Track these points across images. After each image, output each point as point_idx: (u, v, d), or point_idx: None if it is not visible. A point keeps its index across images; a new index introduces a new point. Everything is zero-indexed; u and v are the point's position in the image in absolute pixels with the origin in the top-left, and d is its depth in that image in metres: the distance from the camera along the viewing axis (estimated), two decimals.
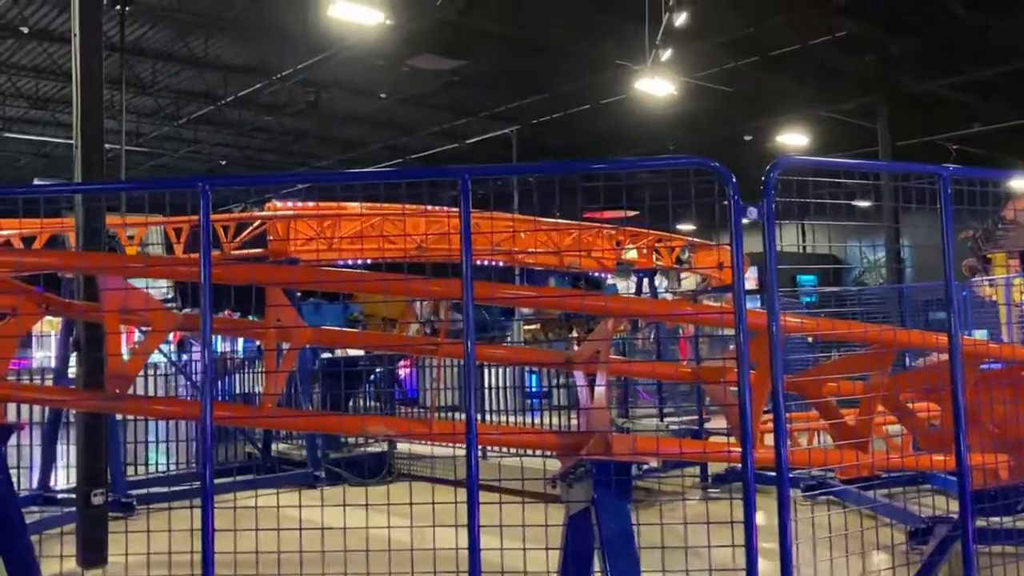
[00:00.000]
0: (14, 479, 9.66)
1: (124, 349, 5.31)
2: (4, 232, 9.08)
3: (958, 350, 3.30)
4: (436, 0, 13.53)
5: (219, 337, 14.34)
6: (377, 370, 13.86)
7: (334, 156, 28.24)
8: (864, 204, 22.30)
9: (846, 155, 26.43)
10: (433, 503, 4.15)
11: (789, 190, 3.93)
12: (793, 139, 24.94)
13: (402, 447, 12.46)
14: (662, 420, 12.21)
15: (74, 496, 8.60)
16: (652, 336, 14.95)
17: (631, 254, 14.11)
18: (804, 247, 34.93)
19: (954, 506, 5.58)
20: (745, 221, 3.27)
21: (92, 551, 8.04)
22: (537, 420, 12.41)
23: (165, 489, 10.84)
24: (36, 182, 28.52)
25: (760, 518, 3.75)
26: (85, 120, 8.88)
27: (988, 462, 5.56)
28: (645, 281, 14.38)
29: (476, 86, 21.53)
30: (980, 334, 13.92)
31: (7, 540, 4.05)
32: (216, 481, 10.78)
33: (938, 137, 24.50)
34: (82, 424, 8.42)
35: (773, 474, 6.90)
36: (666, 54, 13.85)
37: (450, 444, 4.49)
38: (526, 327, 19.33)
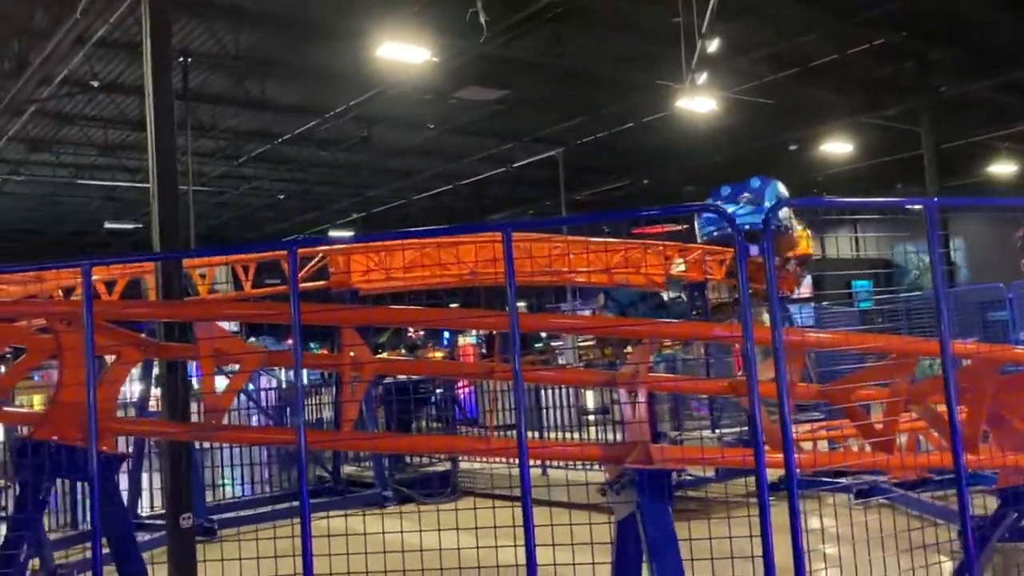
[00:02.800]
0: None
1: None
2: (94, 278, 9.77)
3: (948, 358, 3.67)
4: (480, 38, 14.10)
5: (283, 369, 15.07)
6: (438, 391, 14.43)
7: (386, 186, 29.07)
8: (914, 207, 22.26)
9: (891, 158, 26.46)
10: (495, 523, 4.53)
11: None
12: (837, 147, 25.06)
13: (464, 465, 13.02)
14: (713, 431, 12.53)
15: (161, 521, 9.17)
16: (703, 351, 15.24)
17: (680, 268, 14.37)
18: (857, 254, 34.83)
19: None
20: (752, 253, 3.70)
21: (183, 572, 8.65)
22: (596, 435, 12.80)
23: (244, 513, 11.51)
24: (107, 225, 29.96)
25: (812, 522, 4.04)
26: (160, 167, 9.41)
27: (1019, 462, 5.88)
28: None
29: (520, 112, 22.13)
30: None
31: (125, 554, 4.64)
32: (290, 505, 11.39)
33: (984, 137, 24.42)
34: (168, 453, 9.08)
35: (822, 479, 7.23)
36: (702, 78, 14.26)
37: (507, 461, 4.95)
38: (581, 344, 19.73)
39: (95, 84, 17.61)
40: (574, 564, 4.25)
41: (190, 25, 15.64)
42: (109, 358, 6.43)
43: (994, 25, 18.16)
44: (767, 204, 12.81)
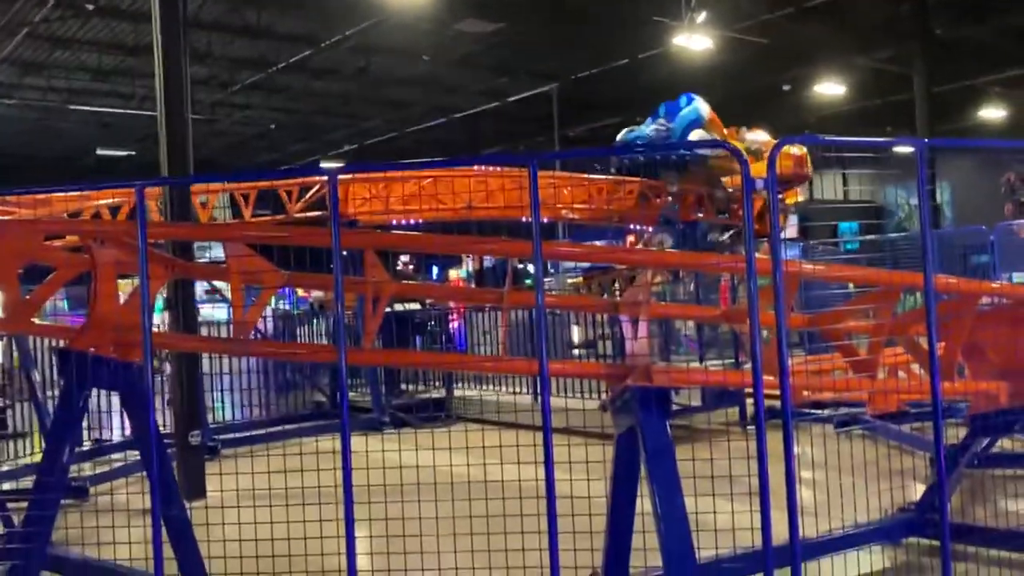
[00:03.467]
0: (113, 426, 10.75)
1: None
2: (101, 202, 10.03)
3: (931, 291, 4.00)
4: None
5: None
6: (430, 323, 14.80)
7: (379, 118, 29.01)
8: (902, 151, 22.63)
9: (882, 101, 26.61)
10: (501, 444, 4.85)
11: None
12: (830, 88, 25.16)
13: (458, 392, 13.47)
14: (701, 363, 12.97)
15: (170, 439, 9.56)
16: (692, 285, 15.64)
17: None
18: (845, 193, 35.13)
19: None
20: (758, 187, 3.99)
21: (193, 485, 9.07)
22: None
23: (246, 434, 11.95)
24: (99, 151, 29.83)
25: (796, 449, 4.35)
26: (168, 93, 9.58)
27: (990, 388, 6.29)
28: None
29: (517, 46, 22.10)
30: (1019, 276, 14.42)
31: (157, 462, 4.98)
32: (291, 427, 11.81)
33: (977, 81, 24.59)
34: (178, 373, 9.44)
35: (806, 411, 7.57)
36: (700, 16, 14.35)
37: (500, 390, 5.22)
38: (570, 280, 20.08)
39: (90, 7, 17.50)
40: (572, 480, 4.59)
41: None
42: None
43: None
44: (677, 128, 12.23)
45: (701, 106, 12.22)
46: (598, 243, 21.88)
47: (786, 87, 26.13)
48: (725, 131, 12.91)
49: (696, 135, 11.32)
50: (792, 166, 13.74)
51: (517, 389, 12.87)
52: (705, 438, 9.60)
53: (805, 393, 7.03)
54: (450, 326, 16.05)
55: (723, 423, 11.15)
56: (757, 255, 3.92)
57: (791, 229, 25.56)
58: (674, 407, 11.43)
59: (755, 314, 3.63)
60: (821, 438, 7.81)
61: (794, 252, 19.61)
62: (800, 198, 15.46)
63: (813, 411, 10.24)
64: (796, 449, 5.19)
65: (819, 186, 31.06)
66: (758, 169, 14.14)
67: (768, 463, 3.94)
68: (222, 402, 12.93)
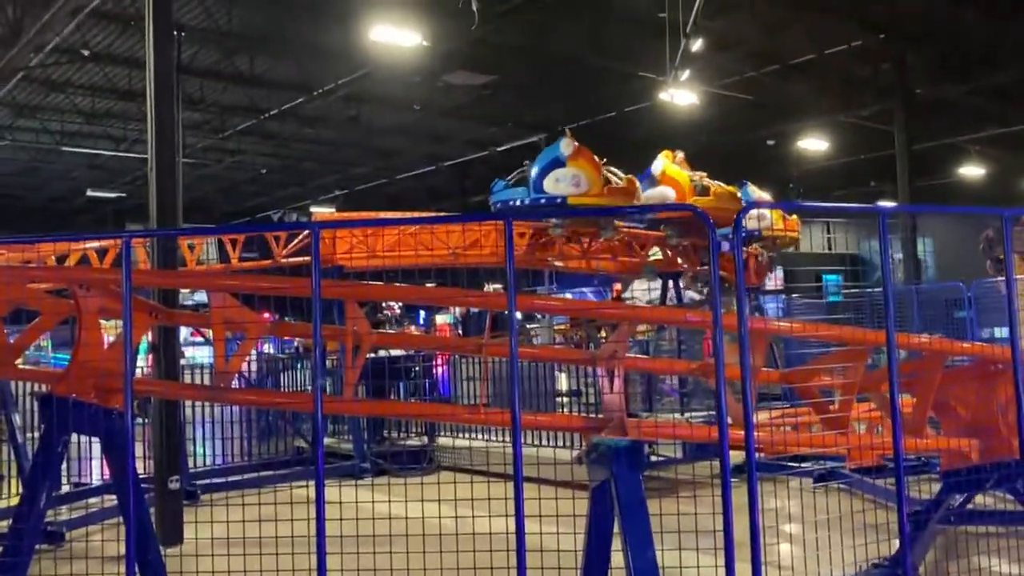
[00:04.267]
0: (92, 469, 10.68)
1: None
2: (88, 246, 10.12)
3: (893, 348, 4.12)
4: (471, 24, 14.42)
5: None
6: (415, 369, 14.82)
7: (370, 164, 29.28)
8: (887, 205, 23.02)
9: (865, 157, 27.09)
10: (473, 495, 4.89)
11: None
12: (813, 144, 25.61)
13: (441, 440, 13.47)
14: (682, 414, 13.02)
15: (149, 484, 9.53)
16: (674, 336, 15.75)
17: (656, 256, 14.79)
18: (829, 246, 35.55)
19: None
20: (724, 249, 4.13)
21: (170, 531, 9.02)
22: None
23: (224, 480, 11.87)
24: (89, 192, 29.97)
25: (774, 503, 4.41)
26: (159, 139, 9.72)
27: (961, 445, 6.39)
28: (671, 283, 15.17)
29: (506, 97, 22.48)
30: (999, 332, 14.61)
31: (134, 508, 5.01)
32: (269, 472, 11.76)
33: (957, 140, 25.08)
34: (158, 417, 9.43)
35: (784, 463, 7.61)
36: (684, 74, 14.68)
37: (485, 438, 5.29)
38: (556, 327, 20.18)
39: (85, 53, 17.76)
40: (542, 533, 4.63)
41: None
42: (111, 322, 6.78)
43: (969, 30, 18.73)
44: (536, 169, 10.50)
45: (564, 146, 10.66)
46: (587, 290, 22.09)
47: (771, 142, 26.58)
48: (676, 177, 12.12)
49: (556, 175, 9.89)
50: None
51: (500, 438, 12.89)
52: (684, 490, 9.64)
53: (788, 448, 7.12)
54: (435, 371, 16.08)
55: (706, 475, 11.20)
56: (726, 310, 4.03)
57: (774, 281, 25.84)
58: (655, 458, 11.55)
59: (721, 368, 3.73)
60: (798, 491, 7.87)
61: (774, 304, 19.85)
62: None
63: (792, 464, 10.31)
64: (774, 503, 5.26)
65: (805, 237, 31.46)
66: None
67: (733, 517, 4.00)
68: (203, 446, 12.87)
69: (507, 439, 12.47)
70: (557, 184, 9.61)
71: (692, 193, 11.08)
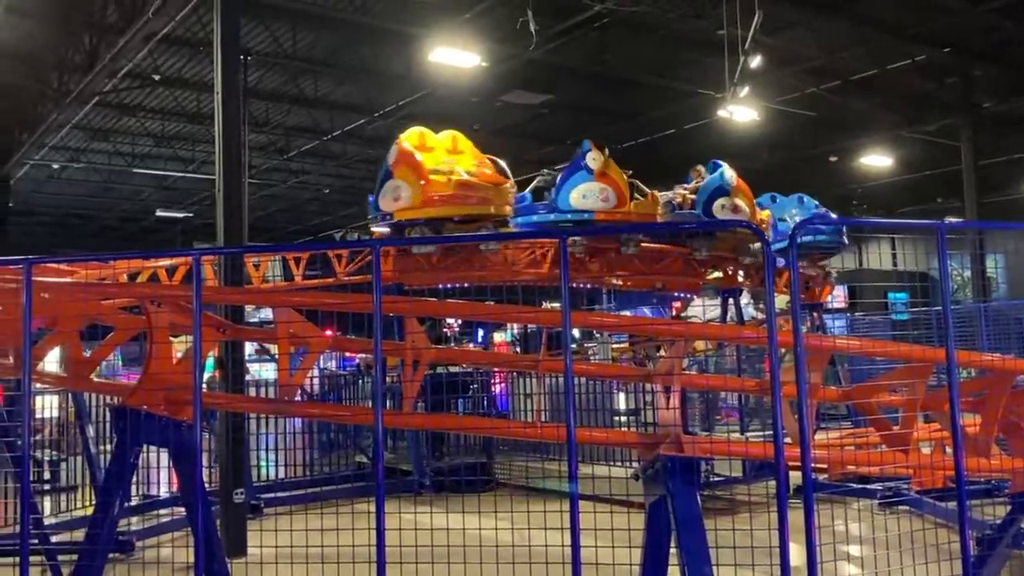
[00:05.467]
0: (160, 482, 10.99)
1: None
2: (160, 264, 10.45)
3: (954, 367, 4.06)
4: (529, 44, 14.58)
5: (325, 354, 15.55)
6: (473, 386, 14.92)
7: None
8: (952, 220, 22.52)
9: (931, 172, 26.55)
10: (529, 510, 4.94)
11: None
12: (876, 160, 25.20)
13: (499, 457, 13.54)
14: (742, 433, 12.90)
15: (214, 496, 9.75)
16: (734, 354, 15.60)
17: (716, 275, 14.68)
18: (895, 263, 34.81)
19: None
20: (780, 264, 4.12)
21: (234, 543, 9.23)
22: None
23: (286, 494, 12.10)
24: (158, 213, 30.89)
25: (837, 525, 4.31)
26: (226, 162, 10.04)
27: None
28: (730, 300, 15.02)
29: (563, 116, 22.60)
30: None
31: (202, 518, 5.17)
32: (331, 488, 11.97)
33: None
34: (225, 431, 9.67)
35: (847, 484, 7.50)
36: (744, 91, 14.60)
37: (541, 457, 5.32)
38: (615, 346, 20.11)
39: (156, 77, 18.37)
40: (597, 547, 4.66)
41: (250, 24, 16.27)
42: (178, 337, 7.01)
43: None
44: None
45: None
46: (646, 309, 21.98)
47: (833, 158, 26.22)
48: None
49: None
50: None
51: (556, 455, 12.89)
52: (742, 510, 9.55)
53: (851, 467, 7.00)
54: (493, 389, 16.16)
55: (765, 495, 11.06)
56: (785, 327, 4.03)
57: (838, 299, 25.40)
58: (713, 478, 11.44)
59: (777, 386, 3.74)
60: (863, 513, 7.74)
61: (840, 323, 19.52)
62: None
63: (853, 485, 10.13)
64: (837, 524, 5.19)
65: (870, 256, 30.89)
66: None
67: (790, 537, 3.98)
68: (266, 461, 13.13)
69: (563, 456, 12.55)
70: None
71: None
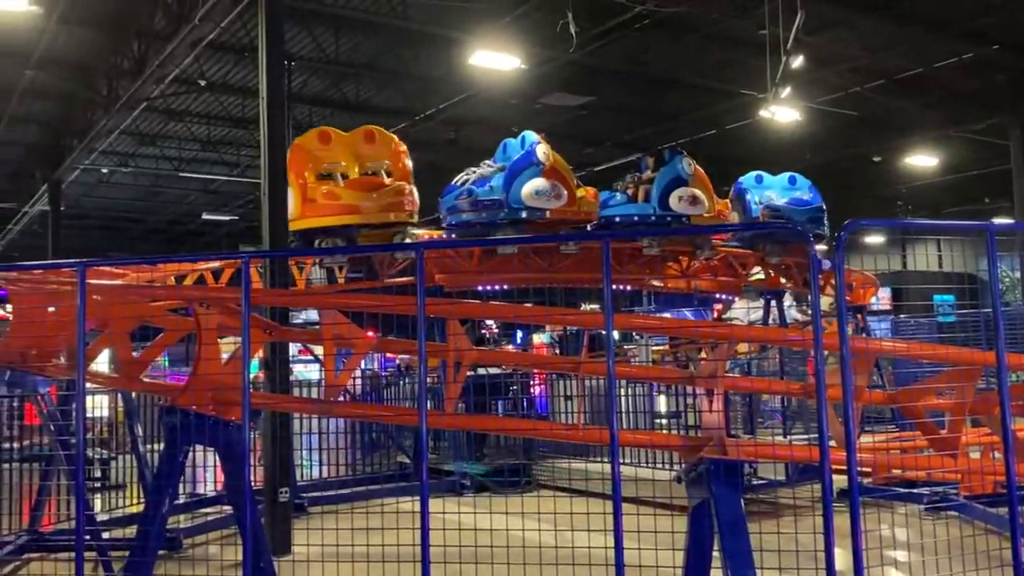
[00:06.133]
0: (207, 481, 11.19)
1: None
2: (208, 266, 10.62)
3: (1004, 369, 4.01)
4: (569, 47, 14.60)
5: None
6: (512, 388, 14.95)
7: None
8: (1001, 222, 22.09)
9: (979, 173, 26.06)
10: (572, 512, 4.98)
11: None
12: (921, 160, 24.80)
13: (539, 459, 13.57)
14: (785, 436, 12.78)
15: (259, 495, 9.88)
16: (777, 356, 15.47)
17: (758, 276, 14.55)
18: (940, 265, 34.24)
19: None
20: (826, 266, 4.11)
21: (279, 542, 9.35)
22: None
23: (329, 493, 12.23)
24: (204, 216, 31.40)
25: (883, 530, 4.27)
26: (272, 165, 10.19)
27: None
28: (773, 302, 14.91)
29: (603, 117, 22.56)
30: None
31: (249, 517, 5.27)
32: (376, 487, 12.08)
33: None
34: (269, 431, 9.81)
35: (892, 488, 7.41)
36: (785, 91, 14.47)
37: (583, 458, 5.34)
38: (654, 348, 20.04)
39: (202, 83, 18.68)
40: (641, 549, 4.66)
41: (294, 30, 16.48)
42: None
43: None
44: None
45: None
46: (686, 311, 21.89)
47: (876, 158, 25.85)
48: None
49: (532, 185, 8.91)
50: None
51: (596, 457, 12.88)
52: (786, 514, 9.46)
53: (895, 471, 6.92)
54: (532, 391, 16.19)
55: (810, 499, 10.95)
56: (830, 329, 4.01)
57: (883, 301, 25.02)
58: (759, 481, 11.35)
59: (822, 388, 3.72)
60: (909, 518, 7.63)
61: (883, 325, 19.25)
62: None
63: (899, 489, 9.99)
64: (882, 529, 5.14)
65: (915, 255, 30.38)
66: None
67: (835, 541, 3.95)
68: (309, 460, 13.28)
69: (604, 457, 12.53)
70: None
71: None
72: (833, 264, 3.87)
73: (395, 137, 9.12)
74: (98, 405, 12.78)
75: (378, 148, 8.89)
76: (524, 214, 8.70)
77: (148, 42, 15.95)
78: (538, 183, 8.71)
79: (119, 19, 16.08)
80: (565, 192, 8.81)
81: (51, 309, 6.44)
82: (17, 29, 15.37)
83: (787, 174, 12.47)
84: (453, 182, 10.38)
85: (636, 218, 9.90)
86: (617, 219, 9.98)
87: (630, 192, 10.43)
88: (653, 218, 9.78)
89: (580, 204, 9.17)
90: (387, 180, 8.68)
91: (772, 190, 11.99)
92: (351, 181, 8.29)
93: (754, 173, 12.23)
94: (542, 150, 8.97)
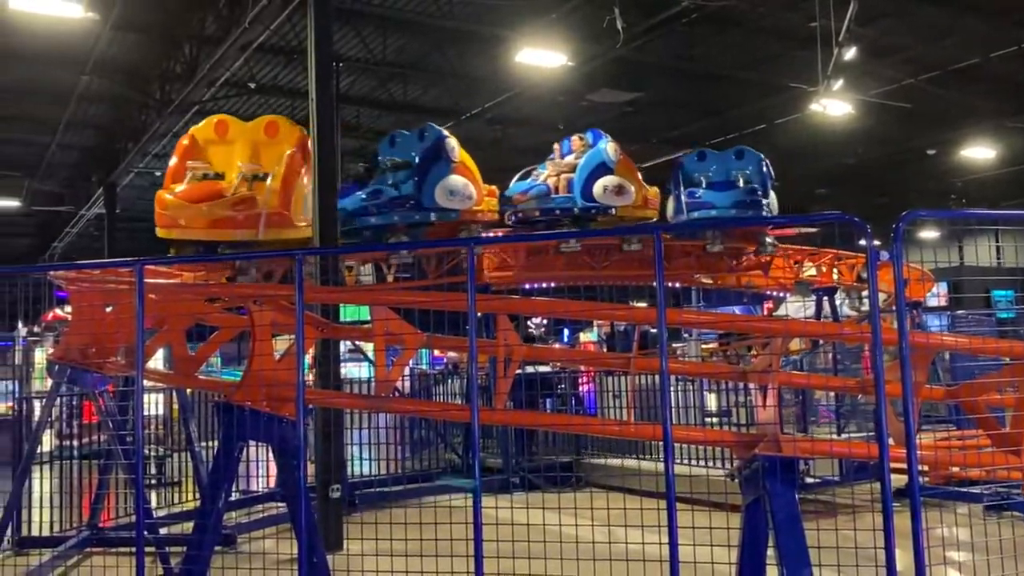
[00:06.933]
0: (260, 479, 11.34)
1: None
2: None
3: None
4: (616, 42, 14.52)
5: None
6: (560, 386, 14.93)
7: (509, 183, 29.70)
8: None
9: None
10: (626, 509, 4.95)
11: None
12: (978, 152, 24.22)
13: (587, 458, 13.54)
14: (839, 435, 12.57)
15: (311, 491, 9.98)
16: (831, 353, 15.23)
17: (810, 272, 14.34)
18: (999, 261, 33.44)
19: None
20: (883, 258, 4.02)
21: (332, 538, 9.44)
22: None
23: (379, 490, 12.32)
24: None
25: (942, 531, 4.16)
26: (322, 165, 10.29)
27: None
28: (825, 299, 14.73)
29: (650, 113, 22.38)
30: None
31: (303, 512, 5.32)
32: (423, 484, 12.12)
33: None
34: (320, 428, 9.91)
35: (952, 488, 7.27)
36: (837, 84, 14.23)
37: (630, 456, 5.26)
38: (704, 346, 19.85)
39: (252, 86, 18.93)
40: (695, 545, 4.61)
41: (341, 31, 16.62)
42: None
43: None
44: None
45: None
46: (736, 308, 21.66)
47: (931, 151, 25.30)
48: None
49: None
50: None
51: (645, 455, 12.80)
52: (843, 513, 9.30)
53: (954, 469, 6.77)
54: (580, 389, 16.14)
55: (866, 499, 10.77)
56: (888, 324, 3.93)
57: (940, 297, 24.50)
58: (813, 479, 11.19)
59: (881, 384, 3.64)
60: (965, 518, 7.46)
61: (939, 321, 18.84)
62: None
63: (959, 489, 9.76)
64: (941, 529, 5.02)
65: (975, 250, 29.72)
66: None
67: (895, 542, 3.86)
68: (360, 457, 13.40)
69: (648, 457, 12.46)
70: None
71: None
72: (891, 254, 3.78)
73: (301, 131, 7.60)
74: (153, 403, 13.07)
75: (277, 145, 7.11)
76: (434, 216, 8.18)
77: (199, 46, 16.22)
78: (451, 182, 8.25)
79: (171, 24, 16.37)
80: (475, 191, 8.46)
81: (109, 309, 6.58)
82: (74, 36, 15.73)
83: (735, 148, 11.36)
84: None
85: (557, 212, 9.38)
86: (537, 214, 9.46)
87: (551, 183, 9.84)
88: (576, 211, 9.23)
89: (486, 204, 8.78)
90: (264, 186, 6.72)
91: (711, 170, 10.88)
92: (186, 189, 6.66)
93: (698, 150, 11.36)
94: (451, 145, 8.55)
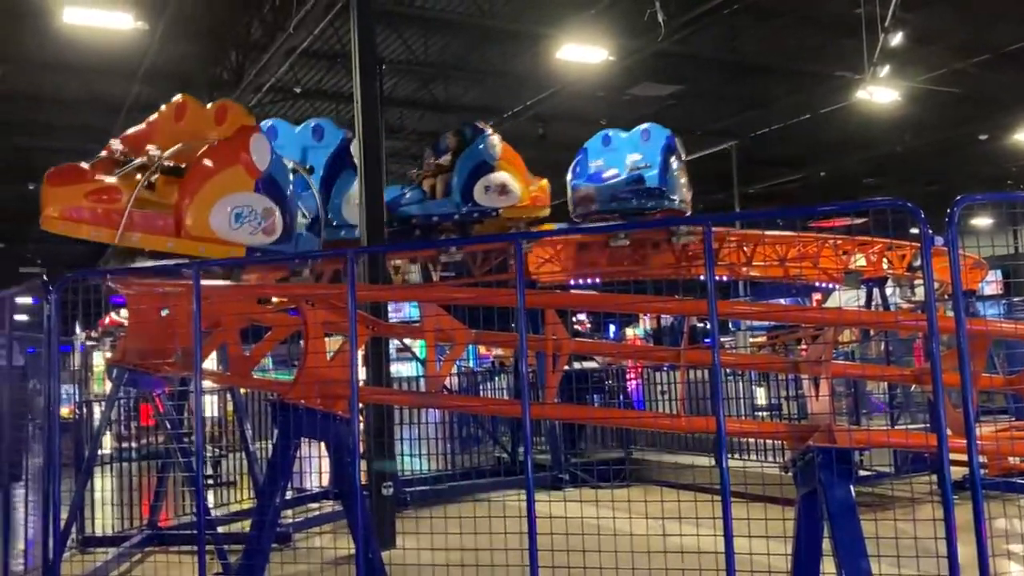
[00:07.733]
0: (311, 473, 11.47)
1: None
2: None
3: None
4: (657, 36, 14.46)
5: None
6: (607, 382, 14.90)
7: (555, 180, 29.65)
8: None
9: None
10: (680, 504, 4.93)
11: None
12: None
13: (636, 454, 13.50)
14: (893, 427, 12.38)
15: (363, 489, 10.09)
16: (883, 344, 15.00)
17: (860, 262, 14.14)
18: None
19: None
20: (938, 243, 3.97)
21: (384, 536, 9.53)
22: None
23: (429, 488, 12.41)
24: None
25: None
26: (368, 167, 10.38)
27: None
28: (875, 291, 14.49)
29: (693, 106, 22.23)
30: None
31: (359, 509, 5.40)
32: (473, 481, 12.20)
33: None
34: (373, 426, 10.02)
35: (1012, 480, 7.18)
36: (884, 71, 14.01)
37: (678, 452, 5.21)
38: (752, 339, 19.68)
39: (297, 90, 19.19)
40: (751, 537, 4.59)
41: (384, 34, 16.76)
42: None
43: None
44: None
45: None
46: (783, 301, 21.45)
47: (982, 136, 24.78)
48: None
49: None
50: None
51: (694, 451, 12.74)
52: (900, 506, 9.17)
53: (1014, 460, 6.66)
54: (628, 385, 16.10)
55: (923, 492, 10.60)
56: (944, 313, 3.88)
57: (994, 284, 24.00)
58: (865, 472, 11.03)
59: (938, 373, 3.60)
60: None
61: (994, 311, 18.47)
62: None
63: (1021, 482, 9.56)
64: (1003, 523, 4.94)
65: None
66: None
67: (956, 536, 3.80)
68: (409, 455, 13.51)
69: (701, 452, 12.38)
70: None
71: None
72: (946, 240, 3.74)
73: (249, 120, 6.55)
74: (208, 404, 13.30)
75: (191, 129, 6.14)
76: (343, 233, 8.04)
77: (245, 53, 16.48)
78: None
79: (217, 32, 16.65)
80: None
81: (164, 313, 6.74)
82: (124, 46, 16.07)
83: (642, 127, 10.87)
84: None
85: (436, 219, 8.99)
86: (413, 221, 9.07)
87: (426, 186, 9.32)
88: (457, 217, 8.84)
89: None
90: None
91: (608, 155, 10.55)
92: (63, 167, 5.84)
93: (603, 132, 10.77)
94: (356, 148, 8.16)
